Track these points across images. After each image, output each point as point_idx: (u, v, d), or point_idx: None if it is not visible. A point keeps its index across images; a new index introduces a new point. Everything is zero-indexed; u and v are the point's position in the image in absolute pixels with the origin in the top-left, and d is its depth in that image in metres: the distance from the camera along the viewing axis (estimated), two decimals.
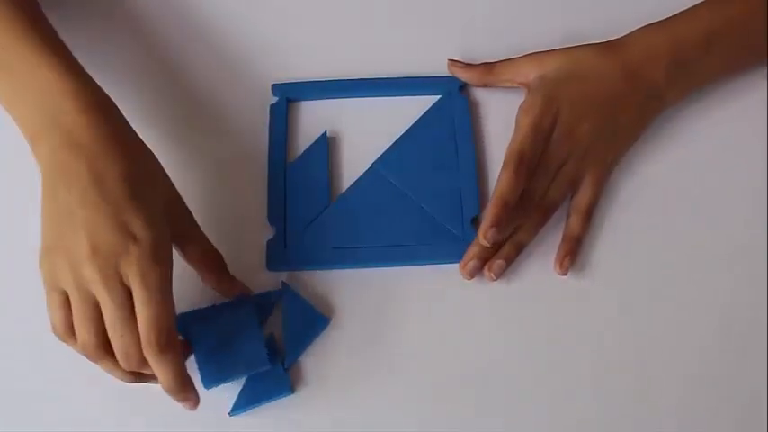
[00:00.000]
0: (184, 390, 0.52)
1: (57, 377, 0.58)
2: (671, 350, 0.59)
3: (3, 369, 0.59)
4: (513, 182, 0.59)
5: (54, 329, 0.51)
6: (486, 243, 0.58)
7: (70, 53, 0.55)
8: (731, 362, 0.59)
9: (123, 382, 0.53)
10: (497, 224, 0.58)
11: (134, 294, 0.50)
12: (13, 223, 0.62)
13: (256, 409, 0.57)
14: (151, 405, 0.56)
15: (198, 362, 0.55)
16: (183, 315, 0.56)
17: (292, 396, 0.57)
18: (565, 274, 0.60)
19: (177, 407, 0.54)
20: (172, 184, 0.55)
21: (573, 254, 0.60)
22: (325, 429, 0.57)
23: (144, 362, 0.50)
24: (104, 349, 0.51)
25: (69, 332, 0.51)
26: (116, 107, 0.55)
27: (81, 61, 0.55)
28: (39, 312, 0.52)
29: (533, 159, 0.60)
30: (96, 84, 0.55)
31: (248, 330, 0.56)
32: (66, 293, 0.50)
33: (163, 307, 0.50)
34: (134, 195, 0.51)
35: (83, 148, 0.51)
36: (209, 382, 0.54)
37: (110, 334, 0.50)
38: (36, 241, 0.52)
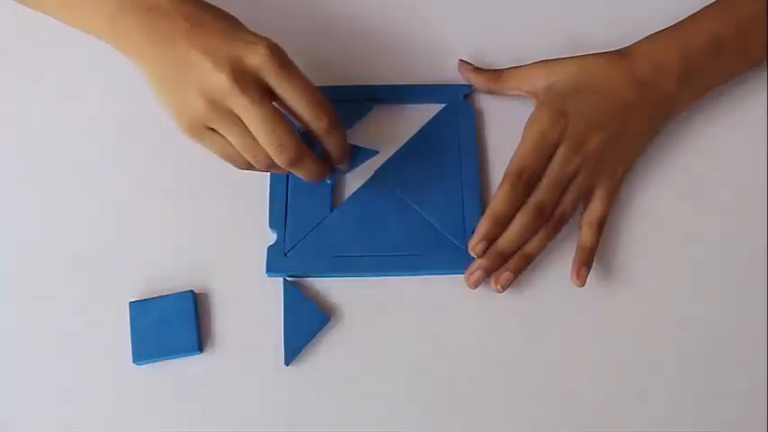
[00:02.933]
0: (348, 153, 0.59)
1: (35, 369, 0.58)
2: (683, 363, 0.59)
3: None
4: (509, 198, 0.59)
5: (232, 163, 0.56)
6: (474, 255, 0.59)
7: None
8: (748, 371, 0.59)
9: None
10: (487, 238, 0.59)
11: (279, 89, 0.53)
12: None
13: (255, 405, 0.57)
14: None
15: (132, 339, 0.58)
16: (134, 303, 0.59)
17: (292, 395, 0.57)
18: (582, 286, 0.60)
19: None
20: None
21: (588, 265, 0.60)
22: (325, 426, 0.57)
23: (299, 158, 0.54)
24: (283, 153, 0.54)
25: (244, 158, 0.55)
26: None
27: (84, 62, 0.56)
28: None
29: (534, 175, 0.60)
30: None
31: (184, 317, 0.58)
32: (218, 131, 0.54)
33: (312, 85, 0.54)
34: (237, 24, 0.54)
35: (162, 8, 0.54)
36: (139, 358, 0.58)
37: (260, 135, 0.53)
38: None
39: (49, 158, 0.64)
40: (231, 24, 0.54)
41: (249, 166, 0.56)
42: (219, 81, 0.51)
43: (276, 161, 0.54)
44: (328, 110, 0.55)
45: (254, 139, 0.53)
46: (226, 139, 0.54)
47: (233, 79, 0.51)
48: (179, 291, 0.59)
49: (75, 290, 0.60)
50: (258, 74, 0.52)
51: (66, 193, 0.63)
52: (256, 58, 0.52)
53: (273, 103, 0.53)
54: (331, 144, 0.56)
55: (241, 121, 0.53)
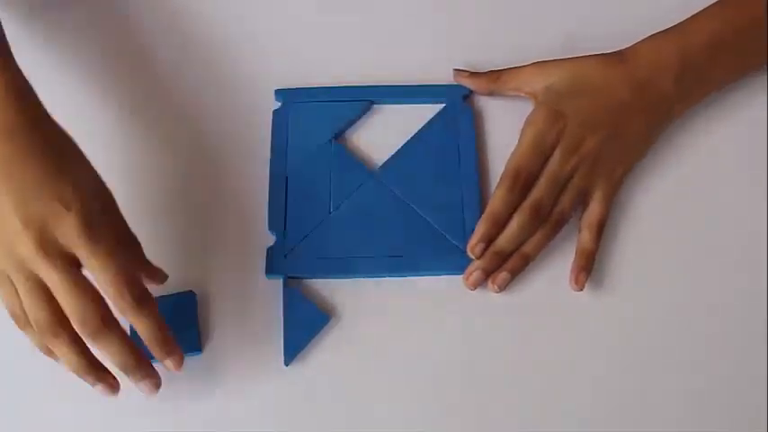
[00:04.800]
0: (168, 344, 0.52)
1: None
2: (683, 364, 0.59)
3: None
4: (506, 198, 0.59)
5: (14, 320, 0.51)
6: (472, 257, 0.59)
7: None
8: (749, 373, 0.59)
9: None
10: (485, 240, 0.59)
11: (85, 262, 0.49)
12: None
13: (255, 405, 0.57)
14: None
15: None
16: None
17: (292, 395, 0.57)
18: (581, 290, 0.60)
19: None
20: (95, 171, 0.53)
21: (587, 269, 0.60)
22: (325, 426, 0.57)
23: (103, 329, 0.49)
24: (60, 326, 0.49)
25: (26, 319, 0.50)
26: (31, 95, 0.53)
27: (84, 61, 0.55)
28: None
29: (531, 175, 0.60)
30: (12, 70, 0.53)
31: (184, 317, 0.58)
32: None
33: (121, 262, 0.49)
34: (60, 168, 0.50)
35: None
36: None
37: (63, 304, 0.49)
38: None
39: None
40: (52, 169, 0.50)
41: (27, 327, 0.51)
42: (26, 244, 0.48)
43: (78, 329, 0.49)
44: (135, 288, 0.50)
45: (39, 301, 0.49)
46: (17, 295, 0.50)
47: (39, 245, 0.48)
48: (179, 291, 0.59)
49: None
50: (65, 246, 0.48)
51: None
52: (65, 229, 0.48)
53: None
54: (140, 327, 0.51)
55: (37, 283, 0.49)
